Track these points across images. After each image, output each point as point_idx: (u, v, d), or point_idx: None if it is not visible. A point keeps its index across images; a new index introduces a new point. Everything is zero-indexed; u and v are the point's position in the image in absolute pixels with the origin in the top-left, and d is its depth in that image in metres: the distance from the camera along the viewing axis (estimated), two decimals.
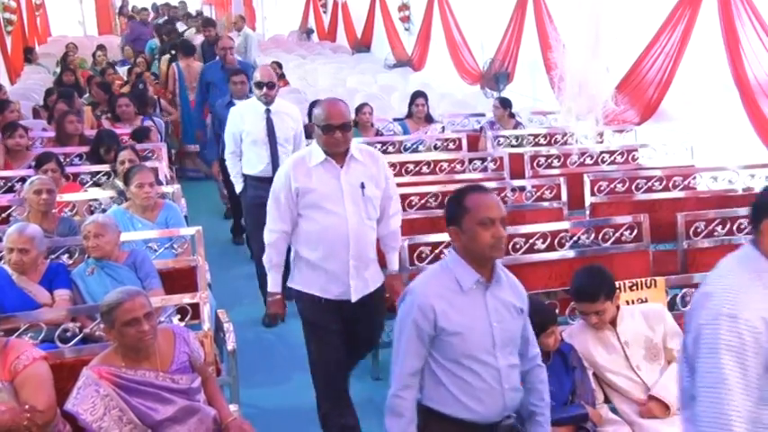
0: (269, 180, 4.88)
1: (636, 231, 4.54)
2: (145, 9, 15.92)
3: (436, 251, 4.19)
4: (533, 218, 5.07)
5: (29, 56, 12.85)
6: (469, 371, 2.51)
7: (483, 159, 6.35)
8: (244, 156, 5.27)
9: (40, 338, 3.49)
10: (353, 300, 3.47)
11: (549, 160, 6.30)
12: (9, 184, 5.61)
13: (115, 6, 20.41)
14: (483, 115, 8.07)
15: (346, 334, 3.55)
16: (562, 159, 6.34)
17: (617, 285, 3.34)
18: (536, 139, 7.10)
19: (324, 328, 3.52)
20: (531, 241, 4.36)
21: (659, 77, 6.75)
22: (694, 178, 5.80)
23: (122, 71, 11.19)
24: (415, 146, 6.94)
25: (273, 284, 3.58)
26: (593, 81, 6.45)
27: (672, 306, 3.57)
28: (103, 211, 4.91)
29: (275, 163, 5.07)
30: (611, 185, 5.47)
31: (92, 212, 4.97)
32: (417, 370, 2.54)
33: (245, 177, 5.30)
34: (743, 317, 1.88)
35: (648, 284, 3.63)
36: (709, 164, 6.04)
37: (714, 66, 6.11)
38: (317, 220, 3.41)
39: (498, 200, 2.59)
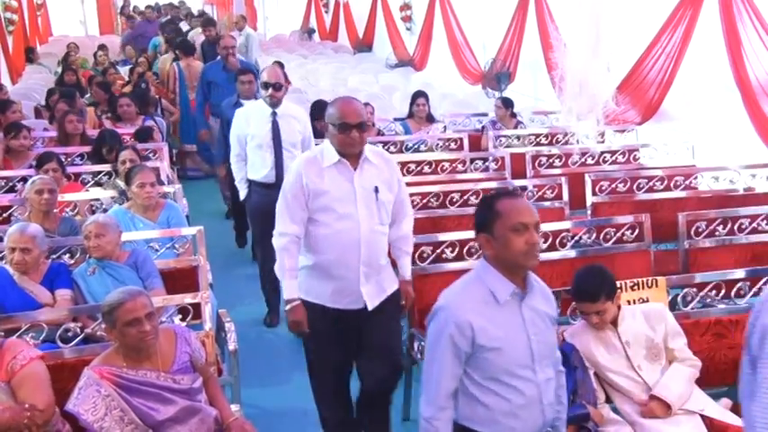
0: (273, 186, 4.81)
1: (637, 231, 4.53)
2: (149, 7, 15.93)
3: (438, 251, 4.19)
4: None
5: (30, 55, 12.88)
6: (508, 387, 2.40)
7: (484, 159, 6.35)
8: (248, 160, 5.13)
9: (41, 338, 3.49)
10: (371, 307, 3.31)
11: (551, 160, 6.30)
12: (10, 184, 5.62)
13: (117, 6, 20.44)
14: (485, 115, 8.07)
15: (359, 345, 3.39)
16: (563, 159, 6.34)
17: (618, 285, 3.33)
18: (537, 139, 7.10)
19: (326, 341, 3.36)
20: None
21: (660, 77, 6.75)
22: (695, 178, 5.80)
23: (124, 71, 11.19)
24: (416, 146, 6.94)
25: (290, 291, 3.33)
26: (594, 81, 6.45)
27: (673, 306, 3.56)
28: (105, 210, 4.91)
29: (279, 168, 4.97)
30: (613, 185, 5.47)
31: (93, 212, 4.98)
32: (454, 391, 2.41)
33: (250, 183, 5.17)
34: None
35: (650, 284, 3.62)
36: (711, 164, 6.04)
37: (715, 66, 6.11)
38: (327, 224, 3.25)
39: (531, 204, 2.47)
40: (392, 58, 13.48)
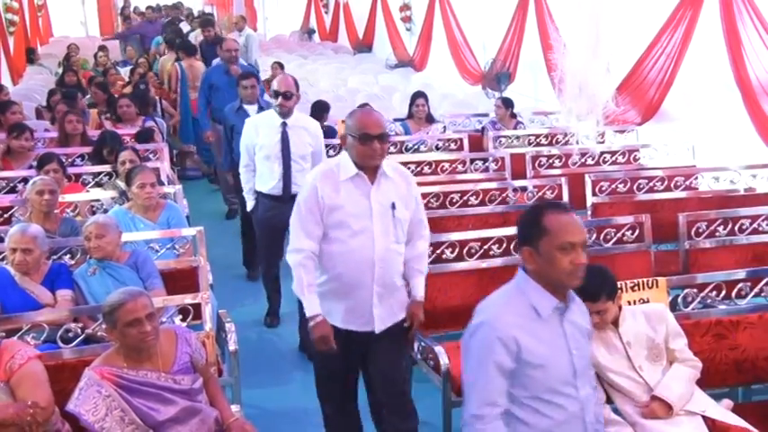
0: (280, 199, 4.81)
1: (637, 231, 4.53)
2: (150, 7, 15.94)
3: (437, 251, 4.19)
4: None
5: (31, 56, 12.89)
6: (550, 405, 2.32)
7: (484, 160, 6.35)
8: (257, 171, 4.99)
9: (42, 339, 3.49)
10: (377, 330, 3.19)
11: (551, 160, 6.30)
12: (11, 185, 5.63)
13: (117, 7, 20.45)
14: (485, 115, 8.07)
15: (365, 372, 3.33)
16: (563, 160, 6.34)
17: (618, 286, 3.33)
18: (537, 140, 7.10)
19: (334, 358, 3.23)
20: None
21: (661, 77, 6.75)
22: (696, 178, 5.80)
23: (124, 72, 11.20)
24: (416, 146, 6.94)
25: (312, 307, 3.17)
26: (594, 81, 6.45)
27: (673, 306, 3.56)
28: (105, 211, 4.91)
29: (287, 181, 4.86)
30: (613, 186, 5.47)
31: (93, 213, 4.98)
32: (502, 410, 2.30)
33: (257, 194, 5.04)
34: None
35: (650, 285, 3.62)
36: (711, 164, 6.04)
37: (715, 66, 6.11)
38: (341, 241, 3.13)
39: (580, 220, 2.36)
40: (392, 58, 13.50)
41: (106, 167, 5.77)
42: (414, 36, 13.14)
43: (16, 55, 11.80)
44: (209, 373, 3.25)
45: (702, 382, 3.28)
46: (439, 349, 3.60)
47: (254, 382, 4.38)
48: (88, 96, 8.68)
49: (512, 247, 4.30)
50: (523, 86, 9.45)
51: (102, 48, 12.31)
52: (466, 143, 6.91)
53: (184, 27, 13.10)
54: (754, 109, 5.74)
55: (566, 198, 5.41)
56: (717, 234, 4.64)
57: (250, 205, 5.09)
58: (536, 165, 6.22)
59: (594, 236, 4.52)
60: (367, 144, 3.10)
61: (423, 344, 3.78)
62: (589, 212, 5.33)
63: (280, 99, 4.82)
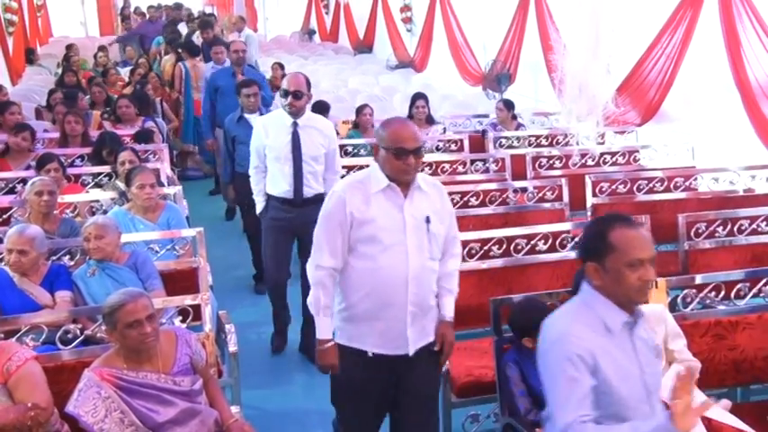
0: (291, 203, 4.60)
1: None
2: (152, 7, 15.94)
3: None
4: (535, 219, 5.08)
5: (30, 57, 12.88)
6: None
7: (485, 160, 6.35)
8: (267, 173, 4.73)
9: (41, 340, 3.49)
10: (411, 353, 2.98)
11: (551, 161, 6.31)
12: (10, 186, 5.63)
13: (117, 7, 20.45)
14: (486, 116, 8.07)
15: (391, 398, 3.08)
16: (564, 160, 6.35)
17: None
18: (538, 140, 7.11)
19: (364, 394, 3.04)
20: (532, 242, 4.37)
21: (660, 78, 6.75)
22: (695, 179, 5.80)
23: (124, 72, 11.20)
24: None
25: (324, 330, 3.01)
26: (594, 82, 6.46)
27: (673, 307, 3.56)
28: (105, 212, 4.91)
29: (298, 183, 4.59)
30: (613, 186, 5.47)
31: (93, 214, 4.98)
32: (592, 418, 2.19)
33: (267, 197, 4.76)
34: None
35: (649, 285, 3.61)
36: (711, 165, 6.05)
37: (715, 67, 6.11)
38: (372, 257, 2.92)
39: (649, 235, 2.29)
40: (392, 59, 13.50)
41: (106, 168, 5.76)
42: (414, 37, 13.15)
43: (15, 55, 11.79)
44: (209, 375, 3.25)
45: (701, 383, 3.27)
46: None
47: (254, 383, 4.38)
48: (88, 97, 8.68)
49: (512, 248, 4.31)
50: (524, 87, 9.45)
51: (101, 48, 12.30)
52: (466, 144, 6.91)
53: (183, 28, 13.09)
54: (753, 110, 5.74)
55: (566, 199, 5.42)
56: (716, 235, 4.64)
57: (260, 207, 4.82)
58: (536, 166, 6.22)
59: None
60: (401, 159, 2.89)
61: None
62: (589, 213, 5.34)
63: (290, 98, 4.54)
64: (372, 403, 3.08)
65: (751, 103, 5.75)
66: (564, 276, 4.16)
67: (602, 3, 6.40)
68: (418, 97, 7.55)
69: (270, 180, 4.72)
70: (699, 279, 3.75)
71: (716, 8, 6.01)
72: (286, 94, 4.55)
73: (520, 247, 4.34)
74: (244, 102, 5.79)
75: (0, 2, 11.62)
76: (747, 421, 3.04)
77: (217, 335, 3.80)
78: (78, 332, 3.45)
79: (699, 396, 3.23)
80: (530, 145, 7.02)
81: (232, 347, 3.72)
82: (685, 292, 3.64)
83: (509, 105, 7.50)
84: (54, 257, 4.25)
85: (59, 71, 11.29)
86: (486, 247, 4.26)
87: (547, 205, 5.38)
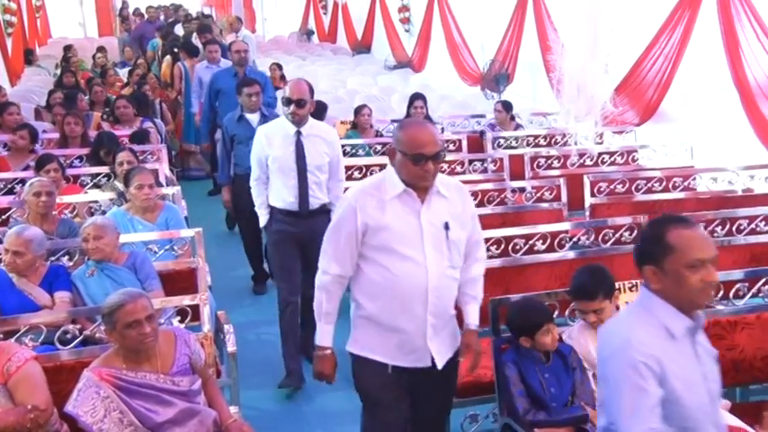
0: (297, 215, 4.45)
1: (636, 232, 4.53)
2: (151, 7, 15.93)
3: None
4: (533, 219, 5.08)
5: (29, 57, 12.87)
6: None
7: (483, 160, 6.35)
8: (270, 185, 4.52)
9: (40, 340, 3.49)
10: (441, 365, 2.87)
11: (549, 161, 6.31)
12: (9, 186, 5.63)
13: (115, 8, 20.43)
14: (482, 116, 8.08)
15: (409, 409, 2.97)
16: (562, 160, 6.36)
17: (616, 286, 3.34)
18: (536, 140, 7.11)
19: (386, 407, 2.92)
20: (531, 242, 4.37)
21: (659, 78, 6.77)
22: (694, 179, 5.81)
23: (122, 73, 11.20)
24: None
25: (323, 337, 2.93)
26: (593, 82, 6.47)
27: None
28: (103, 212, 4.91)
29: (303, 195, 4.42)
30: (611, 186, 5.48)
31: (92, 214, 4.98)
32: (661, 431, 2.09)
33: (271, 209, 4.56)
34: None
35: None
36: (709, 165, 6.05)
37: (713, 67, 6.12)
38: (387, 267, 2.78)
39: (707, 234, 2.21)
40: (391, 59, 13.51)
41: (104, 169, 5.76)
42: (412, 37, 13.16)
43: (14, 56, 11.78)
44: (208, 375, 3.25)
45: None
46: None
47: (253, 384, 4.38)
48: (87, 97, 8.68)
49: (510, 247, 4.31)
50: (522, 87, 9.46)
51: (100, 49, 12.31)
52: (464, 144, 6.92)
53: (179, 30, 13.09)
54: (751, 110, 5.75)
55: (564, 199, 5.42)
56: (715, 234, 4.65)
57: (263, 221, 4.60)
58: (534, 166, 6.22)
59: (593, 236, 4.53)
60: (420, 164, 2.74)
61: None
62: (587, 213, 5.34)
63: (292, 107, 4.33)
64: (394, 413, 2.95)
65: (749, 102, 5.76)
66: (562, 276, 4.16)
67: (600, 3, 6.41)
68: (416, 97, 7.54)
69: (273, 192, 4.52)
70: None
71: (714, 8, 6.02)
72: (288, 102, 4.36)
73: (518, 247, 4.35)
74: (245, 101, 5.65)
75: None
76: (746, 421, 3.04)
77: (215, 335, 3.79)
78: (77, 332, 3.45)
79: None
80: (528, 145, 7.02)
81: (231, 348, 3.72)
82: None
83: (507, 107, 7.51)
84: (53, 258, 4.24)
85: (58, 72, 11.28)
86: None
87: (545, 205, 5.38)
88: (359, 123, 7.30)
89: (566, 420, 3.08)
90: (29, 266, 3.84)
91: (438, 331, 2.85)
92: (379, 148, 6.81)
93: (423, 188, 2.81)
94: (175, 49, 9.89)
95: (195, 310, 3.70)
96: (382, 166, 6.08)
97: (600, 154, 6.46)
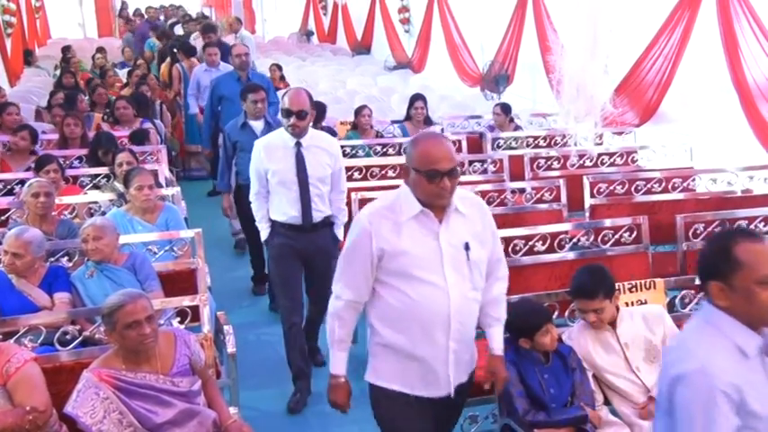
0: (300, 229, 4.27)
1: (635, 233, 4.54)
2: (151, 8, 15.93)
3: None
4: (533, 219, 5.09)
5: (28, 58, 12.87)
6: None
7: (483, 161, 6.35)
8: (270, 198, 4.34)
9: (39, 341, 3.49)
10: (453, 394, 2.73)
11: (549, 162, 6.31)
12: (8, 187, 5.63)
13: (115, 9, 20.44)
14: (479, 117, 8.08)
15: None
16: (562, 161, 6.35)
17: (616, 287, 3.35)
18: (536, 141, 7.12)
19: None
20: (530, 243, 4.37)
21: (658, 79, 6.77)
22: (693, 180, 5.81)
23: (122, 73, 11.20)
24: None
25: (336, 365, 2.79)
26: (592, 83, 6.47)
27: (671, 308, 3.57)
28: (103, 213, 4.91)
29: (306, 208, 4.26)
30: (611, 187, 5.48)
31: (91, 215, 4.98)
32: None
33: (273, 223, 4.38)
34: None
35: (648, 286, 3.63)
36: (709, 166, 6.05)
37: (713, 68, 6.13)
38: (406, 292, 2.63)
39: None
40: (390, 60, 13.51)
41: (104, 169, 5.76)
42: (412, 38, 13.16)
43: (13, 57, 11.78)
44: (208, 376, 3.25)
45: None
46: None
47: (252, 384, 4.38)
48: (87, 98, 8.68)
49: (510, 248, 4.31)
50: (522, 88, 9.46)
51: (99, 49, 12.31)
52: (464, 145, 6.92)
53: (178, 30, 13.09)
54: (751, 111, 5.76)
55: (564, 200, 5.43)
56: None
57: (264, 235, 4.43)
58: (534, 166, 6.22)
59: (592, 237, 4.54)
60: (435, 182, 2.58)
61: None
62: (587, 214, 5.34)
63: (293, 119, 4.15)
64: None
65: (749, 103, 5.76)
66: (562, 277, 4.16)
67: (599, 3, 6.42)
68: (417, 98, 7.55)
69: (274, 206, 4.35)
70: (697, 280, 3.74)
71: (714, 9, 6.02)
72: (288, 114, 4.16)
73: (518, 248, 4.35)
74: (249, 108, 5.42)
75: None
76: None
77: (215, 336, 3.79)
78: (77, 333, 3.45)
79: None
80: (528, 146, 7.02)
81: (230, 348, 3.72)
82: (684, 292, 3.65)
83: (506, 109, 7.51)
84: (52, 259, 4.24)
85: (57, 73, 11.29)
86: None
87: (545, 206, 5.38)
88: (359, 124, 7.30)
89: (565, 421, 3.08)
90: (28, 268, 3.84)
91: (459, 357, 2.71)
92: (379, 148, 6.81)
93: (440, 207, 2.65)
94: (174, 50, 9.89)
95: (195, 310, 3.70)
96: (382, 167, 6.12)
97: (599, 155, 6.46)
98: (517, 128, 7.52)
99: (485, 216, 2.77)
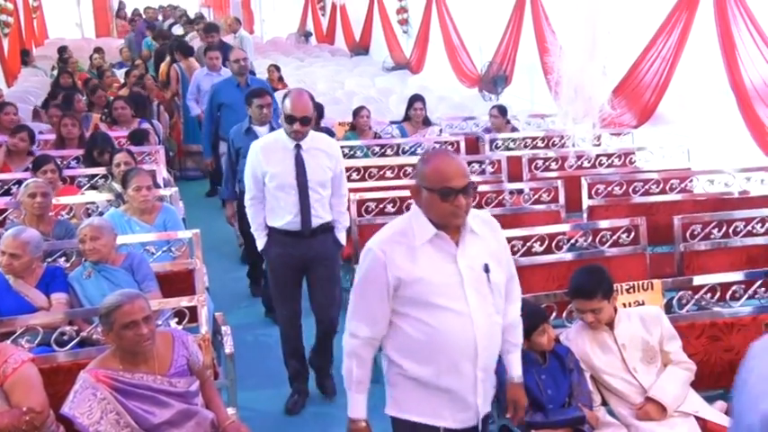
0: (298, 235, 4.10)
1: (633, 234, 4.54)
2: (150, 8, 15.92)
3: None
4: (531, 220, 5.09)
5: (25, 58, 12.87)
6: None
7: (481, 162, 6.36)
8: (267, 204, 4.18)
9: (36, 342, 3.48)
10: (480, 425, 2.59)
11: (547, 163, 6.32)
12: (6, 187, 5.62)
13: (113, 9, 20.44)
14: (474, 118, 8.09)
15: None
16: (560, 162, 6.36)
17: (614, 287, 3.35)
18: (534, 142, 7.12)
19: None
20: (528, 244, 4.37)
21: (656, 81, 6.78)
22: (691, 181, 5.81)
23: (120, 74, 11.20)
24: (413, 149, 6.95)
25: (355, 409, 2.59)
26: (590, 84, 6.47)
27: (668, 309, 3.58)
28: (100, 214, 4.90)
29: (305, 213, 4.09)
30: (609, 188, 5.48)
31: (89, 215, 4.97)
32: None
33: (270, 230, 4.22)
34: None
35: (645, 287, 3.63)
36: (706, 167, 6.06)
37: (710, 69, 6.14)
38: (427, 322, 2.46)
39: None
40: (389, 60, 13.52)
41: (101, 170, 5.76)
42: (410, 38, 13.17)
43: (11, 57, 11.78)
44: (206, 376, 3.24)
45: (696, 384, 3.30)
46: None
47: (250, 385, 4.38)
48: (85, 98, 8.67)
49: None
50: (520, 89, 9.47)
51: (97, 50, 12.31)
52: (462, 146, 6.92)
53: (177, 30, 13.08)
54: (748, 112, 5.77)
55: (562, 201, 5.43)
56: (711, 236, 4.65)
57: (261, 243, 4.26)
58: (532, 167, 6.23)
59: (590, 238, 4.54)
60: (448, 200, 2.43)
61: None
62: (585, 215, 5.35)
63: (296, 125, 3.99)
64: None
65: (746, 105, 5.77)
66: (560, 278, 4.17)
67: (598, 5, 6.42)
68: (416, 99, 7.56)
69: (272, 212, 4.18)
70: (695, 281, 3.76)
71: (711, 11, 6.03)
72: (292, 120, 3.99)
73: (516, 249, 4.34)
74: (255, 113, 5.18)
75: None
76: None
77: (213, 336, 3.79)
78: (74, 334, 3.44)
79: (694, 397, 3.25)
80: (526, 147, 7.03)
81: (228, 349, 3.71)
82: (681, 293, 3.65)
83: (503, 111, 7.52)
84: (49, 259, 4.24)
85: (55, 73, 11.28)
86: None
87: (543, 207, 5.38)
88: (357, 125, 7.30)
89: (563, 421, 3.08)
90: (25, 268, 3.84)
91: (486, 385, 2.56)
92: (377, 149, 6.82)
93: (455, 227, 2.49)
94: (173, 50, 9.88)
95: (193, 311, 3.69)
96: (380, 168, 6.13)
97: (597, 156, 6.47)
98: (514, 130, 7.53)
99: (496, 232, 2.64)
